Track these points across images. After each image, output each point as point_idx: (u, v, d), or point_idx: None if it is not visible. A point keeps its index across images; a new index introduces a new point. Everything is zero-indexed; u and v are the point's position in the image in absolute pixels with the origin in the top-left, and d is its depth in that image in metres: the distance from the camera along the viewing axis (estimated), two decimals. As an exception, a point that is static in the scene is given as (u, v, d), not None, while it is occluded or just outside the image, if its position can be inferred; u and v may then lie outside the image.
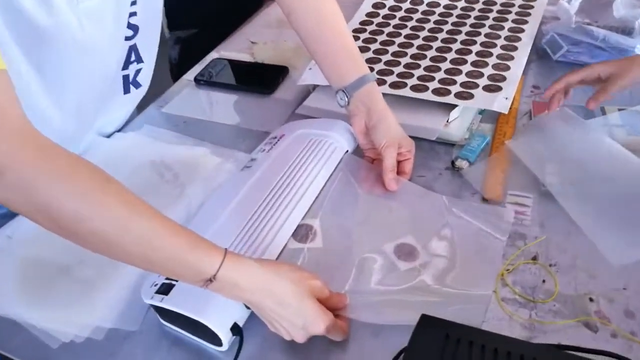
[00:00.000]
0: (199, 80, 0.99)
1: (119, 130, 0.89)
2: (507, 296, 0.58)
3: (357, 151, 0.77)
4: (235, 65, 1.02)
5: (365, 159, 0.76)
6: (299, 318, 0.50)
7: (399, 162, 0.72)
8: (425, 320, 0.50)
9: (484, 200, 0.69)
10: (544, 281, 0.59)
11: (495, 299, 0.58)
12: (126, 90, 0.83)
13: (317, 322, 0.51)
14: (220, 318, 0.53)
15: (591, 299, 0.56)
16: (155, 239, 0.46)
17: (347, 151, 0.75)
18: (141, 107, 0.93)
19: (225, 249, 0.50)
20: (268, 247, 0.60)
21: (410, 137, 0.73)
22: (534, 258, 0.61)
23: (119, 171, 0.82)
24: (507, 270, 0.60)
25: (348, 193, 0.70)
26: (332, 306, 0.55)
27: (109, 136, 0.87)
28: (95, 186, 0.44)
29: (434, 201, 0.69)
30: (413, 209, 0.68)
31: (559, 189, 0.68)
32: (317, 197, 0.68)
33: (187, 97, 0.97)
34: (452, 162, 0.74)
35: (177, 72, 1.27)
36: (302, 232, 0.64)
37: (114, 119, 0.87)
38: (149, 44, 0.80)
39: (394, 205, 0.68)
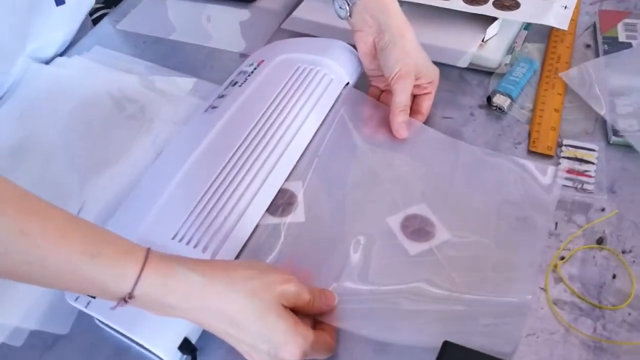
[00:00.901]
0: (163, -15, 0.78)
1: (61, 54, 0.70)
2: (562, 298, 0.42)
3: (362, 83, 0.58)
4: (209, -36, 0.80)
5: (371, 90, 0.57)
6: (263, 343, 0.36)
7: (414, 98, 0.54)
8: (450, 351, 0.35)
9: (531, 152, 0.51)
10: (614, 276, 0.43)
11: (545, 301, 0.42)
12: (59, 1, 0.63)
13: (289, 347, 0.36)
14: (162, 334, 0.39)
15: (683, 306, 0.40)
16: (29, 247, 0.30)
17: (348, 84, 0.56)
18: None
19: (148, 249, 0.34)
20: (236, 226, 0.44)
21: (434, 63, 0.54)
22: (600, 241, 0.45)
23: (65, 104, 0.67)
24: (562, 258, 0.44)
25: (343, 144, 0.52)
26: (315, 311, 0.40)
27: (48, 62, 0.69)
28: None
29: (460, 154, 0.51)
30: (429, 166, 0.50)
31: (638, 138, 0.49)
32: (304, 152, 0.51)
33: (148, 9, 0.77)
34: (489, 98, 0.56)
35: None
36: (279, 202, 0.48)
37: (51, 39, 0.69)
38: None
39: (404, 160, 0.51)
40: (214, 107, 0.54)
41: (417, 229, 0.46)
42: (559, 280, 0.43)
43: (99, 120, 0.62)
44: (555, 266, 0.43)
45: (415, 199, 0.48)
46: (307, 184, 0.49)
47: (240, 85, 0.55)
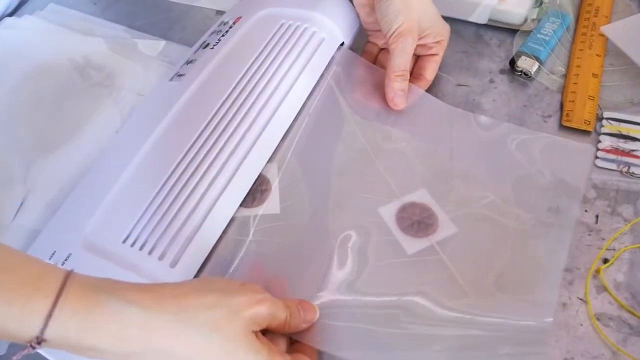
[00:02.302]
0: None
1: (10, 14, 0.61)
2: (607, 311, 0.34)
3: (360, 44, 0.48)
4: None
5: (368, 48, 0.48)
6: None
7: (417, 59, 0.45)
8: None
9: (564, 128, 0.42)
10: (673, 285, 0.34)
11: (585, 315, 0.34)
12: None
13: None
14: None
15: None
16: None
17: (343, 44, 0.47)
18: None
19: (67, 275, 0.26)
20: (202, 225, 0.36)
21: (444, 18, 0.45)
22: (654, 239, 0.36)
23: (15, 72, 0.55)
24: (605, 261, 0.36)
25: (330, 118, 0.43)
26: (292, 330, 0.32)
27: (-6, 23, 0.60)
28: None
29: (474, 129, 0.42)
30: (434, 144, 0.42)
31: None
32: (289, 129, 0.42)
33: (111, -43, 0.66)
34: (512, 62, 0.46)
35: None
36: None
37: (-5, -5, 0.59)
38: None
39: (402, 136, 0.42)
40: (180, 75, 0.45)
41: (416, 221, 0.38)
42: (602, 288, 0.35)
43: (56, 90, 0.53)
44: (598, 271, 0.35)
45: (413, 184, 0.39)
46: (284, 167, 0.40)
47: (212, 48, 0.46)
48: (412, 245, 0.37)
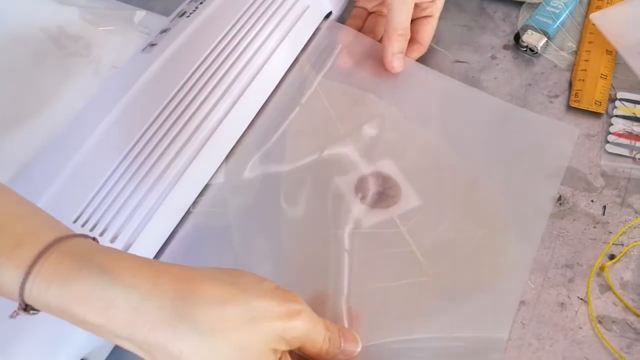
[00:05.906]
0: None
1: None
2: (611, 314, 0.30)
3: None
4: None
5: (355, 13, 0.44)
6: None
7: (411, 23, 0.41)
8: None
9: (572, 109, 0.38)
10: (687, 286, 0.30)
11: (586, 317, 0.30)
12: None
13: None
14: (47, 355, 0.28)
15: None
16: None
17: (330, 14, 0.43)
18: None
19: (59, 238, 0.23)
20: (160, 206, 0.33)
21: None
22: (668, 234, 0.32)
23: None
24: (611, 257, 0.32)
25: (295, 80, 0.40)
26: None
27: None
28: None
29: (467, 106, 0.39)
30: (411, 112, 0.38)
31: None
32: (265, 104, 0.39)
33: None
34: (517, 36, 0.42)
35: None
36: None
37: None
38: None
39: (372, 101, 0.39)
40: (153, 45, 0.41)
41: (377, 191, 0.35)
42: (607, 288, 0.31)
43: (27, 61, 0.50)
44: (602, 268, 0.31)
45: (377, 153, 0.36)
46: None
47: (188, 16, 0.42)
48: (369, 215, 0.34)
